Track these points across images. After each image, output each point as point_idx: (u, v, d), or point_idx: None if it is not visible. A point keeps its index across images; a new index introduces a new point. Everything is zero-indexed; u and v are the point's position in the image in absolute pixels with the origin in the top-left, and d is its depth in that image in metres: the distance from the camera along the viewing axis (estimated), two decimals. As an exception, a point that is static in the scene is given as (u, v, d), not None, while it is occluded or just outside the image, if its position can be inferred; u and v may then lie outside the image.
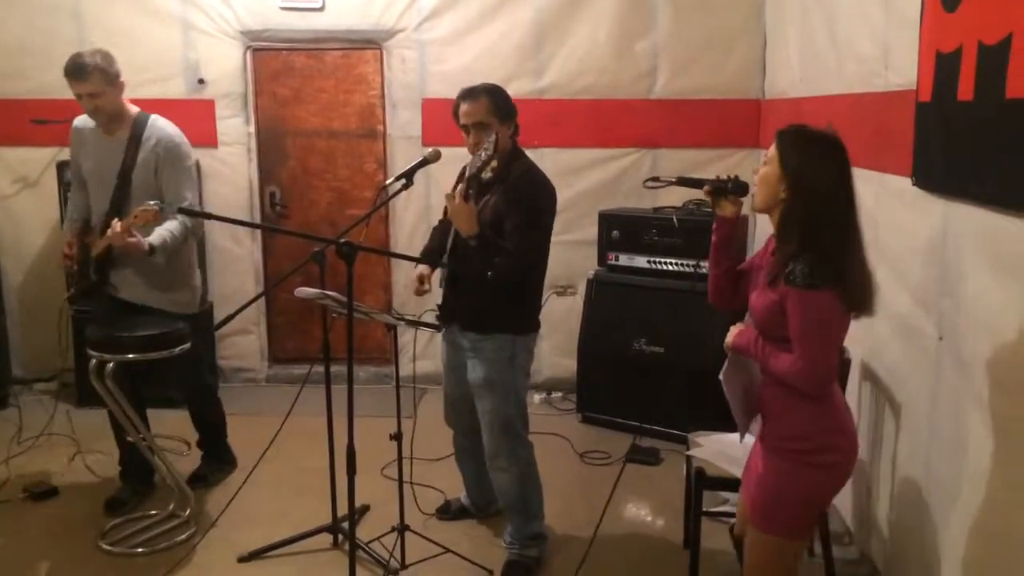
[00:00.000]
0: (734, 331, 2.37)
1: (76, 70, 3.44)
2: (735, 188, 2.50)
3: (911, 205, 2.79)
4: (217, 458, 4.07)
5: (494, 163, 3.01)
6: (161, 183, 3.57)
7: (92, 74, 3.44)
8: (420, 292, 3.28)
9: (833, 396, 2.26)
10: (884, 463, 3.04)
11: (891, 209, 3.02)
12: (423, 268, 3.30)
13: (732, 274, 2.52)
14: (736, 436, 2.51)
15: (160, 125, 3.63)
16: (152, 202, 3.34)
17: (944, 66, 2.48)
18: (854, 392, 3.19)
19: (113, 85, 3.51)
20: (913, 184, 2.73)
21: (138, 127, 3.58)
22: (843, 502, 3.46)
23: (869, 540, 3.21)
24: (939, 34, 2.53)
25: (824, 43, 3.79)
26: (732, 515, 3.02)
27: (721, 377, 2.38)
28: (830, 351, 2.17)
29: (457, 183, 3.41)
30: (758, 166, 2.37)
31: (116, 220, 3.38)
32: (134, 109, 3.64)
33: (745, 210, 2.64)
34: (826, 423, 2.23)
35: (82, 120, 3.68)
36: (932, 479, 2.62)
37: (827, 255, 2.09)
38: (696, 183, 2.60)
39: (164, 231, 3.48)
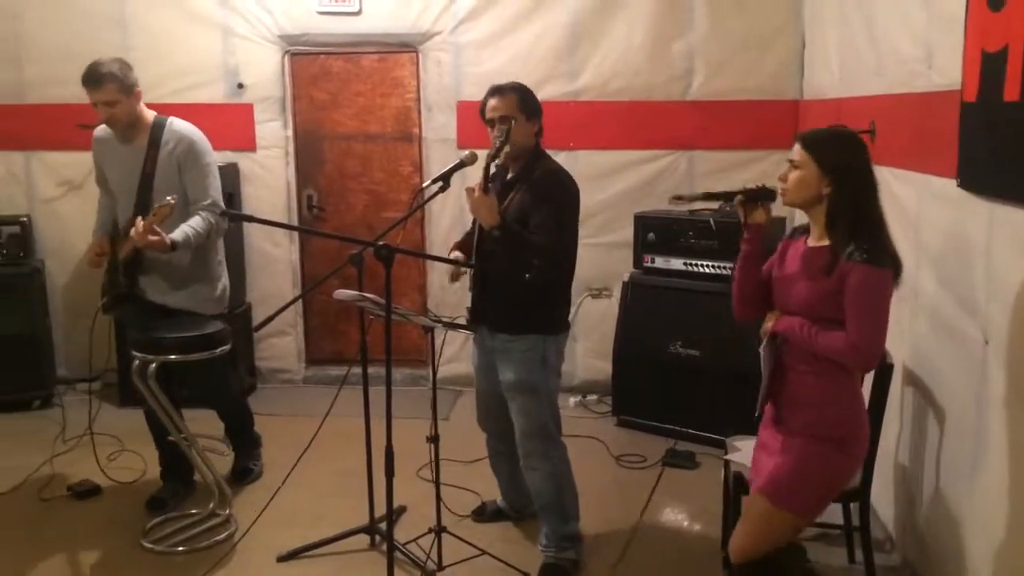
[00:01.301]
0: (772, 317, 2.49)
1: (92, 79, 3.47)
2: (766, 194, 2.53)
3: (956, 207, 2.74)
4: (248, 447, 4.15)
5: (507, 149, 3.01)
6: (185, 184, 3.60)
7: (107, 83, 3.46)
8: (456, 276, 3.34)
9: (858, 385, 2.46)
10: (928, 469, 2.99)
11: (935, 211, 2.97)
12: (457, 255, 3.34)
13: (762, 284, 2.57)
14: None
15: (177, 127, 3.64)
16: (169, 197, 3.36)
17: (990, 66, 2.44)
18: (896, 396, 3.14)
19: (129, 94, 3.53)
20: (958, 185, 2.68)
21: (156, 132, 3.60)
22: (885, 508, 3.42)
23: (912, 547, 3.16)
24: (984, 33, 2.49)
25: (864, 43, 3.74)
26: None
27: (761, 352, 2.49)
28: (884, 327, 2.33)
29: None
30: (784, 173, 2.44)
31: (139, 219, 3.39)
32: (151, 115, 3.65)
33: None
34: (860, 414, 2.44)
35: (102, 130, 3.71)
36: (978, 487, 2.57)
37: (878, 236, 2.31)
38: (724, 196, 2.60)
39: (187, 227, 3.51)
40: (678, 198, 2.69)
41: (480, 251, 3.16)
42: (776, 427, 2.50)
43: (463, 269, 3.29)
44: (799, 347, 2.39)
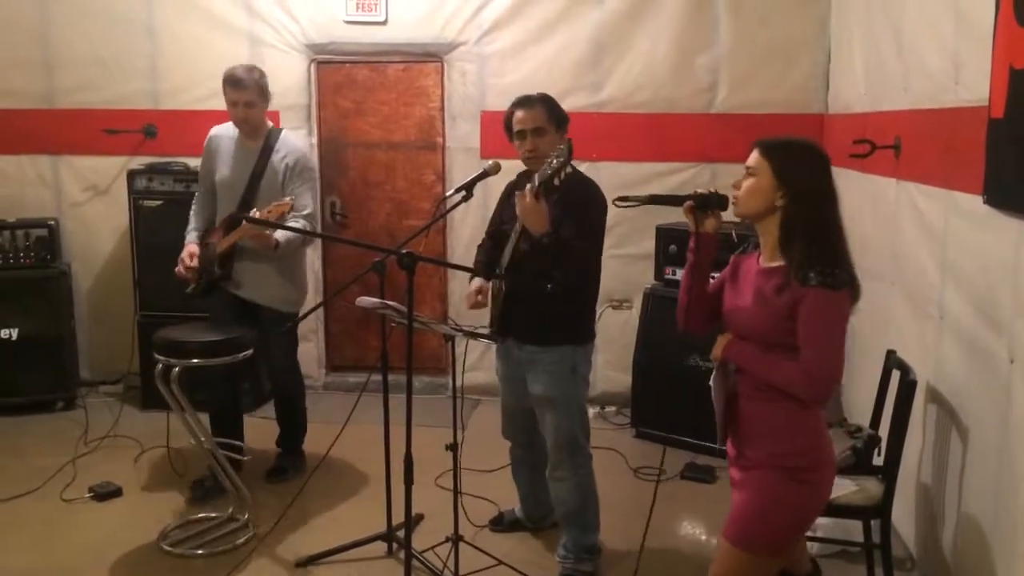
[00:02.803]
0: (723, 342, 2.34)
1: (236, 81, 3.79)
2: (717, 201, 2.40)
3: (982, 224, 2.72)
4: (294, 451, 4.21)
5: (568, 169, 2.88)
6: (287, 191, 3.81)
7: (251, 86, 3.79)
8: (478, 305, 3.29)
9: (819, 412, 2.27)
10: (950, 489, 2.95)
11: (960, 228, 2.95)
12: (481, 281, 3.31)
13: (711, 296, 2.47)
14: None
15: (290, 140, 3.98)
16: (287, 197, 3.66)
17: (1018, 82, 2.42)
18: (919, 413, 3.11)
19: (264, 100, 3.88)
20: (984, 202, 2.66)
21: (271, 139, 3.90)
22: (906, 527, 3.38)
23: (932, 567, 3.12)
24: (1013, 49, 2.47)
25: (891, 57, 3.73)
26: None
27: (711, 383, 2.37)
28: (840, 354, 2.18)
29: (506, 191, 3.42)
30: (738, 180, 2.32)
31: (255, 210, 3.64)
32: (268, 123, 3.96)
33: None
34: (820, 439, 2.27)
35: (221, 128, 4.00)
36: (1002, 509, 2.54)
37: (837, 256, 2.16)
38: (672, 200, 2.48)
39: (289, 231, 3.72)
40: (623, 199, 2.49)
41: (511, 262, 3.15)
42: (736, 462, 2.36)
43: (483, 299, 3.27)
44: (751, 376, 2.27)
